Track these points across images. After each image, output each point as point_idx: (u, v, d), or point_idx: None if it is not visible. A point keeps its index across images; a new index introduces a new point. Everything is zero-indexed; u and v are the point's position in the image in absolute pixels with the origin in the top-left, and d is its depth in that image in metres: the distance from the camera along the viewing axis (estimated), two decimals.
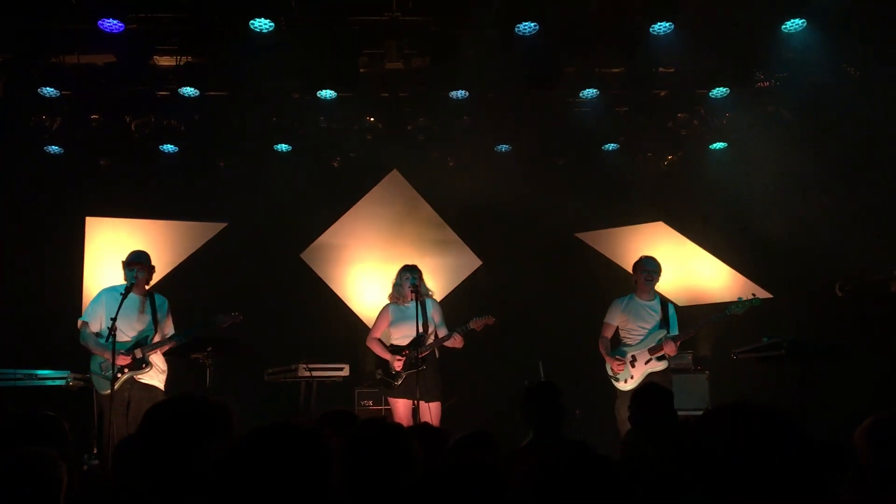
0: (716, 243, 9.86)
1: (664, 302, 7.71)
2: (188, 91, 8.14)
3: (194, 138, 9.03)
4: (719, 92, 8.57)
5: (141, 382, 6.99)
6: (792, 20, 7.32)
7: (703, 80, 8.53)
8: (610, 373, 7.69)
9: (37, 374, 7.76)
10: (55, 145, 8.97)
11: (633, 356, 7.56)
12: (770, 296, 9.39)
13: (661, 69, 8.21)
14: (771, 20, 7.46)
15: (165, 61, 8.10)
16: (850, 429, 2.89)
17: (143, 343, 7.05)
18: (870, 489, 2.53)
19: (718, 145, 9.45)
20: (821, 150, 8.58)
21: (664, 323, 7.55)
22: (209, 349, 7.19)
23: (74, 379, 7.86)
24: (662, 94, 8.91)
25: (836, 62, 7.92)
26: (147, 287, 7.23)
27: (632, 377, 7.50)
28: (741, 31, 7.73)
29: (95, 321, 7.06)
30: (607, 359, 7.68)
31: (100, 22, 7.07)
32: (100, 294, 7.25)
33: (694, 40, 7.62)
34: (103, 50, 7.69)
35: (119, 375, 6.86)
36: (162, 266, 9.52)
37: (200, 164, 9.47)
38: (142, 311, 7.13)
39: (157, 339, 7.11)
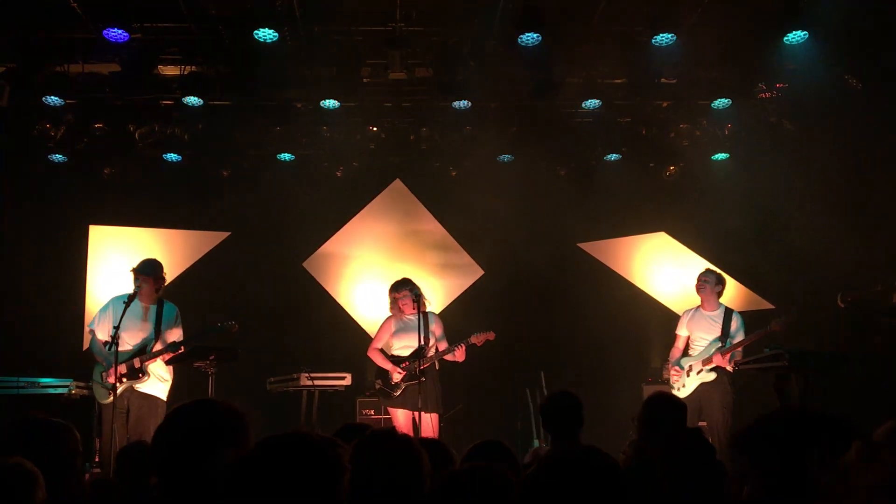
0: (718, 254, 9.86)
1: (728, 313, 7.70)
2: (192, 100, 8.16)
3: (198, 147, 9.06)
4: (721, 103, 8.59)
5: (139, 392, 6.93)
6: (794, 32, 7.32)
7: (705, 92, 8.55)
8: (670, 381, 7.82)
9: (39, 382, 7.76)
10: (59, 153, 8.99)
11: (690, 366, 7.65)
12: (772, 306, 9.40)
13: (663, 80, 8.23)
14: (773, 32, 7.48)
15: (169, 71, 8.14)
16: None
17: (142, 352, 6.98)
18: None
19: (720, 156, 9.46)
20: (822, 161, 8.60)
21: (724, 334, 7.57)
22: (211, 358, 7.19)
23: (76, 387, 7.87)
24: (665, 104, 8.94)
25: (838, 73, 7.94)
26: (157, 295, 7.15)
27: (684, 386, 7.60)
28: (743, 42, 7.76)
29: (102, 329, 6.99)
30: (668, 367, 7.86)
31: (104, 31, 7.11)
32: (108, 302, 7.19)
33: (696, 52, 7.65)
34: (108, 59, 7.73)
35: (118, 385, 6.70)
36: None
37: (204, 173, 9.50)
38: (144, 320, 7.07)
39: (157, 347, 7.01)
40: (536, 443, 8.52)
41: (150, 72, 7.91)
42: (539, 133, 9.18)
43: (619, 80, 8.45)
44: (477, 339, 7.44)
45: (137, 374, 6.90)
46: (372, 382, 8.56)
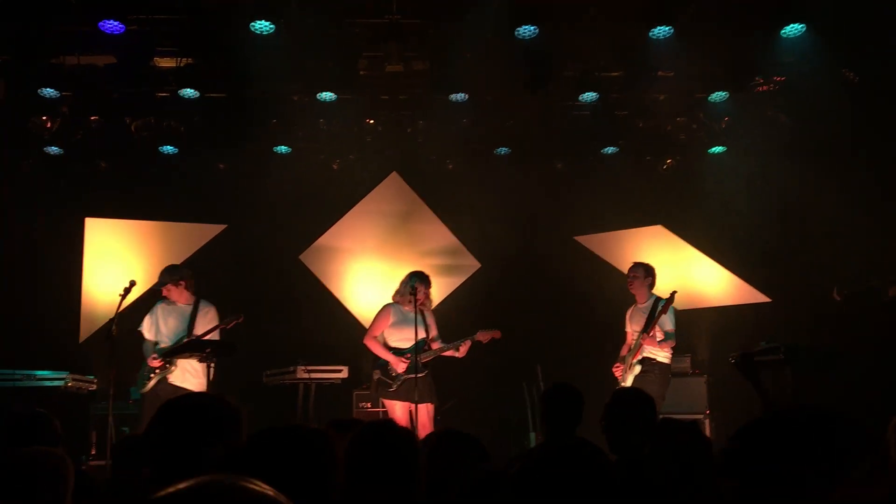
0: (714, 247, 9.87)
1: (656, 303, 7.73)
2: (188, 92, 8.13)
3: (194, 140, 9.02)
4: (718, 96, 8.58)
5: (172, 385, 7.20)
6: (791, 25, 7.32)
7: (702, 85, 8.54)
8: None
9: (35, 375, 7.76)
10: (55, 146, 8.97)
11: (629, 362, 7.71)
12: (768, 300, 9.41)
13: (660, 73, 8.21)
14: (770, 24, 7.47)
15: (165, 63, 8.11)
16: None
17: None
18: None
19: (717, 149, 9.45)
20: (818, 155, 8.60)
21: (647, 325, 7.61)
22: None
23: (73, 379, 7.88)
24: (661, 97, 8.92)
25: (835, 67, 7.93)
26: (190, 294, 7.55)
27: (625, 381, 7.65)
28: (740, 35, 7.75)
29: (149, 331, 7.50)
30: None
31: (100, 23, 7.09)
32: (154, 306, 7.60)
33: (693, 44, 7.64)
34: (103, 51, 7.70)
35: (151, 376, 7.24)
36: (160, 268, 9.54)
37: (200, 165, 9.48)
38: (182, 320, 7.45)
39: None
40: (533, 436, 8.53)
41: (146, 64, 7.88)
42: (536, 126, 9.18)
43: (616, 73, 8.44)
44: (483, 336, 7.42)
45: (166, 365, 7.30)
46: (369, 375, 8.56)
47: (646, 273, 7.87)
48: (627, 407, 4.25)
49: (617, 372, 7.77)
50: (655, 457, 3.15)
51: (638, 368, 7.54)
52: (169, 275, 7.54)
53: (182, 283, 7.54)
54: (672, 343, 7.64)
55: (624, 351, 7.90)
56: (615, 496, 2.14)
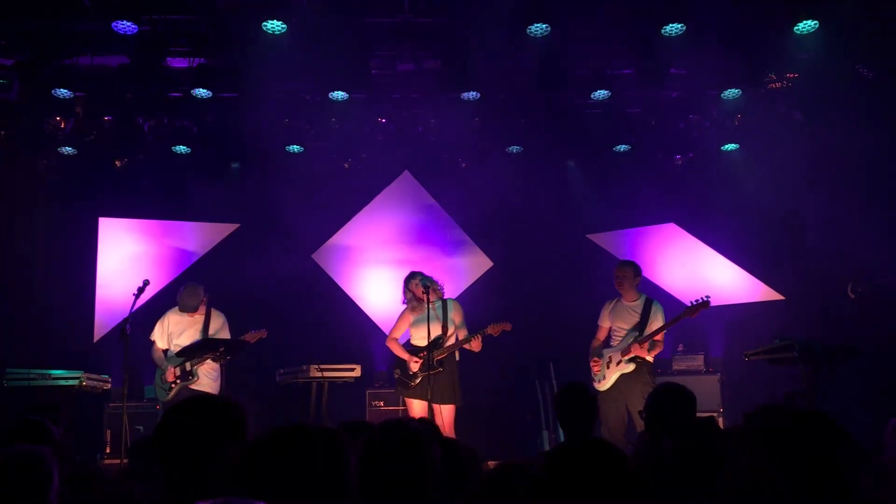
0: (727, 245, 9.83)
1: (648, 303, 7.67)
2: (201, 92, 8.16)
3: (207, 139, 9.06)
4: (731, 93, 8.54)
5: (192, 389, 7.44)
6: (804, 21, 7.29)
7: (715, 82, 8.51)
8: (592, 374, 7.71)
9: (50, 374, 7.80)
10: (69, 146, 9.01)
11: (609, 357, 7.59)
12: (782, 297, 9.37)
13: (672, 70, 8.19)
14: (783, 21, 7.44)
15: (178, 63, 8.15)
16: (860, 430, 2.88)
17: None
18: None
19: (730, 146, 9.42)
20: (832, 152, 8.56)
21: (642, 324, 7.54)
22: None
23: (87, 378, 7.92)
24: (674, 95, 8.90)
25: (849, 63, 7.89)
26: (203, 307, 7.81)
27: (605, 378, 7.54)
28: (753, 32, 7.72)
29: (161, 340, 7.78)
30: (590, 359, 7.74)
31: (113, 23, 7.10)
32: (164, 314, 7.86)
33: (706, 42, 7.62)
34: (117, 51, 7.76)
35: (173, 386, 7.57)
36: (174, 267, 9.61)
37: (213, 165, 9.51)
38: (197, 330, 7.68)
39: None
40: (545, 434, 8.53)
41: (159, 64, 7.92)
42: (548, 124, 9.17)
43: (628, 71, 8.43)
44: (493, 329, 7.42)
45: (188, 376, 7.57)
46: (383, 373, 8.59)
47: (635, 273, 7.77)
48: (671, 402, 4.23)
49: (595, 367, 7.65)
50: (675, 453, 3.15)
51: (632, 367, 7.45)
52: (197, 297, 7.77)
53: (206, 297, 7.84)
54: (661, 349, 7.62)
55: (595, 345, 7.74)
56: (635, 494, 2.15)
